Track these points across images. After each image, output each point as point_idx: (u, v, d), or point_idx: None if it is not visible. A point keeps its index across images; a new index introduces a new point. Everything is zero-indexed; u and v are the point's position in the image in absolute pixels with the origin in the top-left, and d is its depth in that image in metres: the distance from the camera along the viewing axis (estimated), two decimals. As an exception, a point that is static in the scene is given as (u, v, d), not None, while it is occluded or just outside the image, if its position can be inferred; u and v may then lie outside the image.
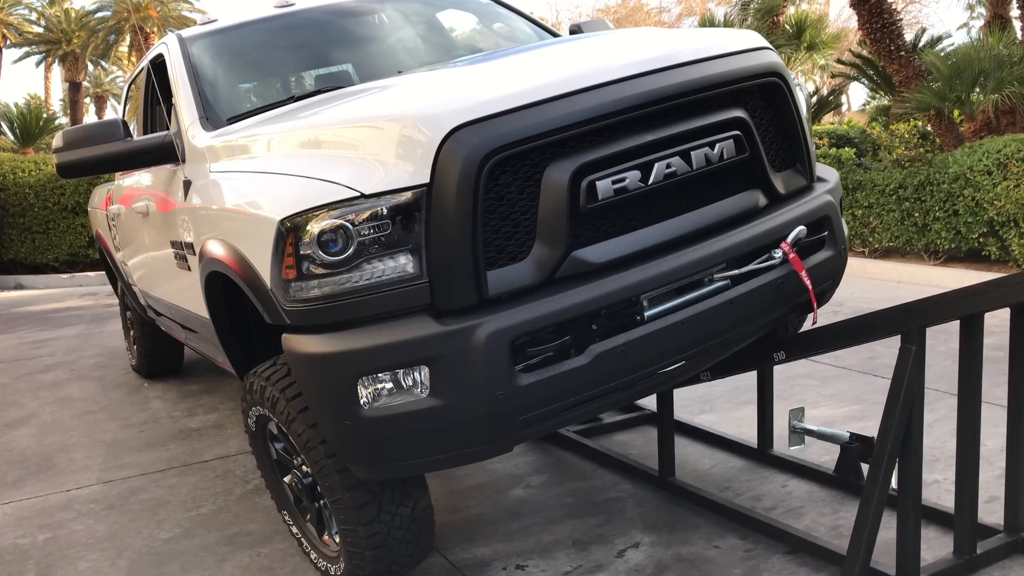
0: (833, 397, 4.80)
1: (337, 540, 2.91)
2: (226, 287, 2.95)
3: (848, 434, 3.62)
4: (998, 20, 11.32)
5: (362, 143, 2.40)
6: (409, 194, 2.20)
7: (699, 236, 2.48)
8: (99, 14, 31.16)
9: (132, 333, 6.26)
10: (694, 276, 2.45)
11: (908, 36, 10.42)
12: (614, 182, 2.31)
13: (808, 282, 2.56)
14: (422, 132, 2.22)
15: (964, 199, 7.65)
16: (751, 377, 3.90)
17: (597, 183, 2.28)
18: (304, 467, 2.90)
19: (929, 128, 9.87)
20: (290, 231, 2.29)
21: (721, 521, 3.33)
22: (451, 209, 2.17)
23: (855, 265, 8.73)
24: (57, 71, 36.61)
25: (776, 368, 3.88)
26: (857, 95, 38.10)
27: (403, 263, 2.23)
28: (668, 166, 2.37)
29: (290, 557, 3.27)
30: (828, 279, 2.73)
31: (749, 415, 4.04)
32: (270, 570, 3.18)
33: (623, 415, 4.54)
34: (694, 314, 2.41)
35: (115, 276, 6.08)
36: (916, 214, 8.16)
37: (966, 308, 2.44)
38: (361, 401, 2.29)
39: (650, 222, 2.44)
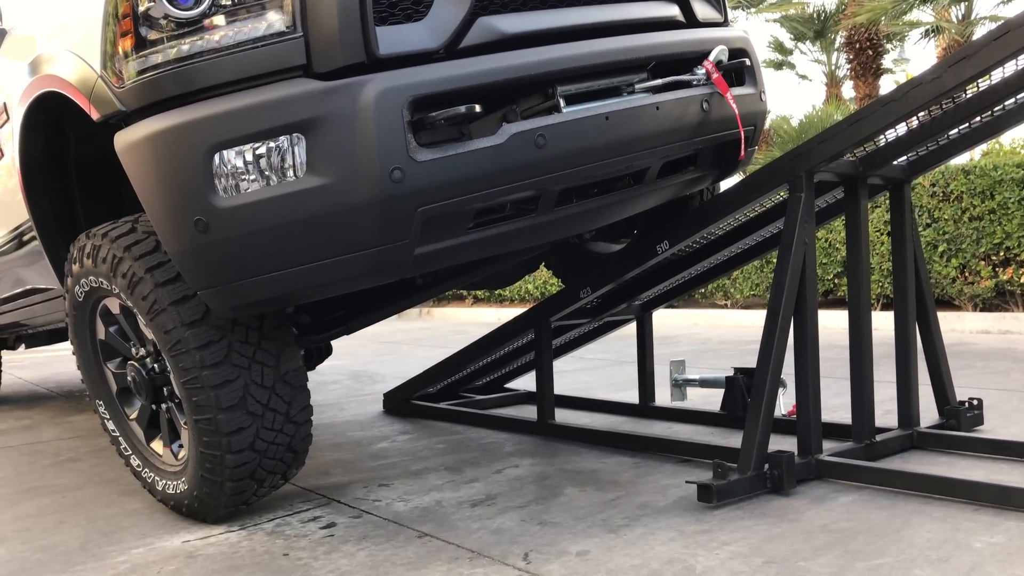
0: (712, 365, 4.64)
1: (181, 453, 2.40)
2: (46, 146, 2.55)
3: (732, 370, 3.45)
4: (834, 96, 12.43)
5: None
6: None
7: (617, 29, 2.27)
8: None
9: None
10: (613, 70, 2.22)
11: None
12: None
13: (733, 105, 2.37)
14: None
15: (818, 240, 7.95)
16: (630, 372, 3.65)
17: None
18: (146, 355, 2.40)
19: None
20: None
21: (607, 449, 3.04)
22: None
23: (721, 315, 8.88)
24: None
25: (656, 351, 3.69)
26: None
27: (272, 18, 1.88)
28: None
29: (103, 495, 2.72)
30: (750, 122, 2.52)
31: (629, 398, 3.81)
32: (79, 506, 2.62)
33: (497, 394, 4.22)
34: (618, 110, 2.17)
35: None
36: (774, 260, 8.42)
37: (854, 136, 2.34)
38: (219, 188, 1.87)
39: (565, 4, 2.22)
